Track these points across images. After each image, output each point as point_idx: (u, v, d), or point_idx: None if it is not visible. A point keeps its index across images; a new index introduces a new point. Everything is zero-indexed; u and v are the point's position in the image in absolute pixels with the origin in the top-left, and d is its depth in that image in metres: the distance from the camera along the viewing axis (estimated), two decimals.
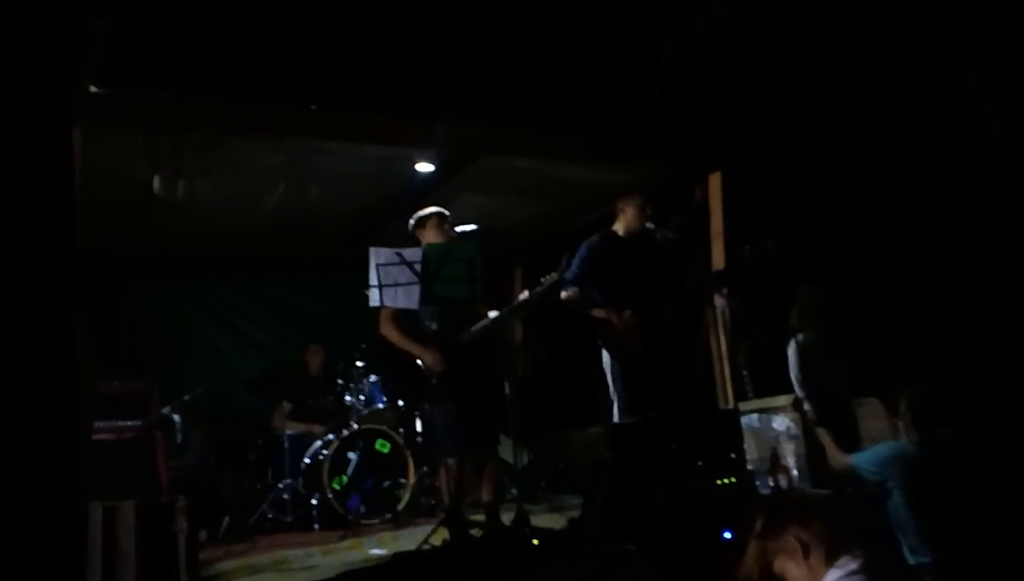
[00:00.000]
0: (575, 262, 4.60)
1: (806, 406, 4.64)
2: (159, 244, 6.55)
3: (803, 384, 4.63)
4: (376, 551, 4.47)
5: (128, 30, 3.48)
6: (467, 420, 4.22)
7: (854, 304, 4.88)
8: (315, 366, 6.50)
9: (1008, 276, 4.32)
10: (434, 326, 4.36)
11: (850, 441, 4.56)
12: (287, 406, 6.16)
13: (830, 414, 4.58)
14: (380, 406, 6.10)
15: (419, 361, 4.38)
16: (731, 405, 5.73)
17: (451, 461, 4.27)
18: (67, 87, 3.02)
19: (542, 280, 4.26)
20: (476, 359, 4.33)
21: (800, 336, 4.66)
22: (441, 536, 4.10)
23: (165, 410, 5.29)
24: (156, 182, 5.15)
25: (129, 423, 4.54)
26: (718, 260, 5.82)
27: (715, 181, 6.03)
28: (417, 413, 6.25)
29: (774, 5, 4.70)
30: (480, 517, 4.29)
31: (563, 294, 4.57)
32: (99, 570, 3.13)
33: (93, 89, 3.65)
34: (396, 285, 4.11)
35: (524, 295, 4.37)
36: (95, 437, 4.23)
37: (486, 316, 4.30)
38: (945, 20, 4.47)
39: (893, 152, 4.85)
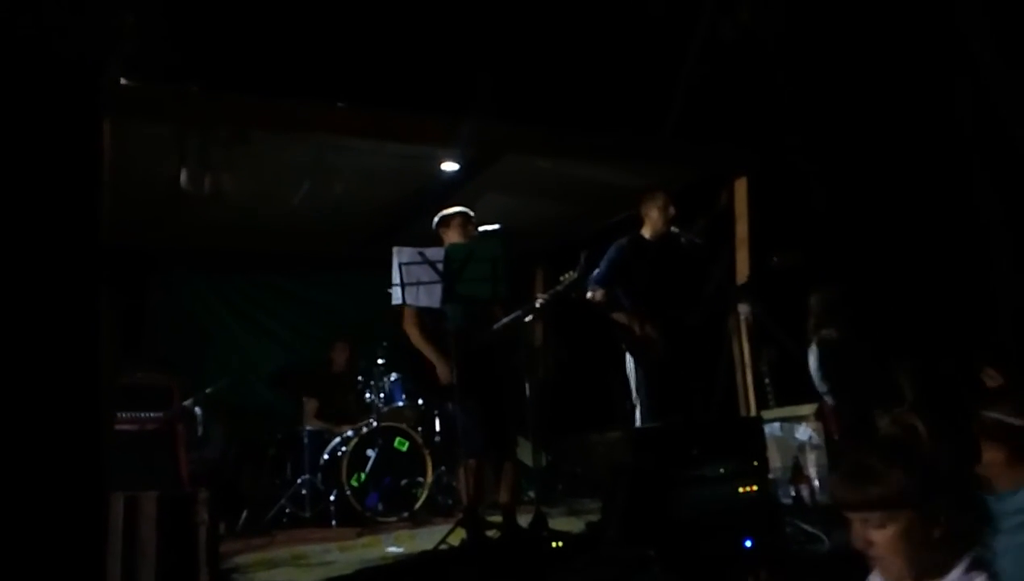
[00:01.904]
0: (603, 263, 4.58)
1: (828, 400, 4.58)
2: (184, 238, 6.58)
3: (826, 390, 4.58)
4: (393, 549, 4.46)
5: (157, 23, 3.51)
6: (487, 421, 4.20)
7: (877, 311, 4.84)
8: (340, 363, 6.52)
9: None
10: (459, 325, 4.34)
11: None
12: (312, 402, 6.18)
13: (850, 422, 4.54)
14: (400, 404, 6.11)
15: (436, 367, 4.37)
16: (753, 413, 5.68)
17: (470, 461, 4.26)
18: (96, 79, 3.03)
19: (561, 278, 4.25)
20: (498, 360, 4.32)
21: (821, 341, 4.61)
22: (459, 536, 4.09)
23: (187, 403, 5.33)
24: (182, 176, 5.18)
25: (151, 415, 4.56)
26: (742, 266, 5.77)
27: (741, 186, 5.97)
28: (436, 412, 6.24)
29: (800, 10, 4.66)
30: (497, 518, 4.27)
31: (589, 294, 4.55)
32: (120, 560, 3.15)
33: (123, 81, 3.68)
34: (418, 283, 4.12)
35: (544, 296, 4.35)
36: (117, 428, 4.25)
37: (503, 317, 4.29)
38: (977, 33, 4.42)
39: (918, 158, 4.80)
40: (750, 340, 5.87)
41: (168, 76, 3.73)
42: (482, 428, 4.22)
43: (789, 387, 5.42)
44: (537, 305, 4.36)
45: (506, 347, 4.37)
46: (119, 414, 4.32)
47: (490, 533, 4.17)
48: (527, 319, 4.41)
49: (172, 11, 3.56)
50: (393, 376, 6.16)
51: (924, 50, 4.58)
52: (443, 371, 4.29)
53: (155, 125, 4.62)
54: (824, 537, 3.77)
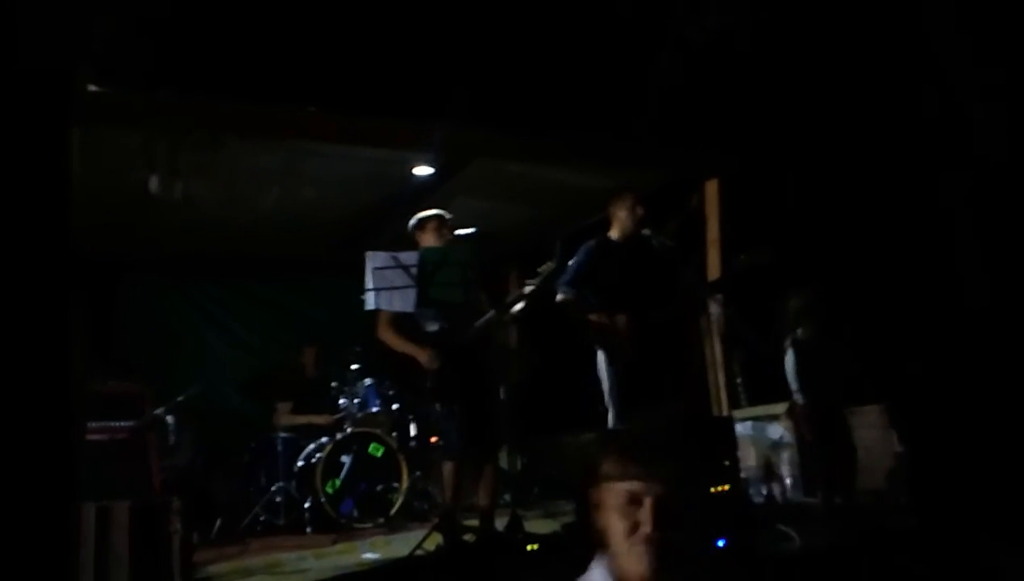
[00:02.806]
0: (571, 266, 4.60)
1: (799, 401, 4.63)
2: (153, 244, 6.53)
3: (798, 390, 4.64)
4: (369, 555, 4.45)
5: (126, 29, 3.47)
6: (468, 422, 4.20)
7: (848, 310, 4.90)
8: (310, 367, 6.50)
9: (1000, 283, 4.34)
10: (435, 328, 4.35)
11: (843, 449, 4.59)
12: (286, 404, 6.15)
13: (822, 422, 4.60)
14: (374, 410, 6.09)
15: (420, 360, 4.36)
16: (725, 412, 5.73)
17: (449, 464, 4.26)
18: (65, 86, 3.01)
19: (539, 270, 4.25)
20: (476, 361, 4.32)
21: (795, 342, 4.66)
22: (434, 541, 4.09)
23: (158, 411, 5.27)
24: (151, 182, 5.13)
25: (121, 424, 4.50)
26: (714, 267, 5.83)
27: (711, 188, 6.04)
28: (411, 417, 6.24)
29: (770, 13, 4.72)
30: (473, 522, 4.27)
31: (559, 297, 4.56)
32: (92, 571, 3.12)
33: (92, 88, 3.64)
34: (392, 288, 4.12)
35: (527, 288, 4.34)
36: (87, 438, 4.19)
37: (488, 312, 4.29)
38: (945, 33, 4.50)
39: (887, 159, 4.87)
40: (722, 340, 5.92)
41: (139, 80, 3.69)
42: (462, 430, 4.22)
43: (761, 386, 5.48)
44: (523, 290, 4.35)
45: (480, 349, 4.38)
46: (89, 423, 4.27)
47: (466, 537, 4.17)
48: (516, 308, 4.40)
49: (142, 17, 3.53)
50: (367, 382, 6.15)
51: (893, 49, 4.65)
52: (427, 359, 4.28)
53: (125, 130, 4.59)
54: (795, 535, 3.82)
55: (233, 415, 6.52)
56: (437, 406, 4.37)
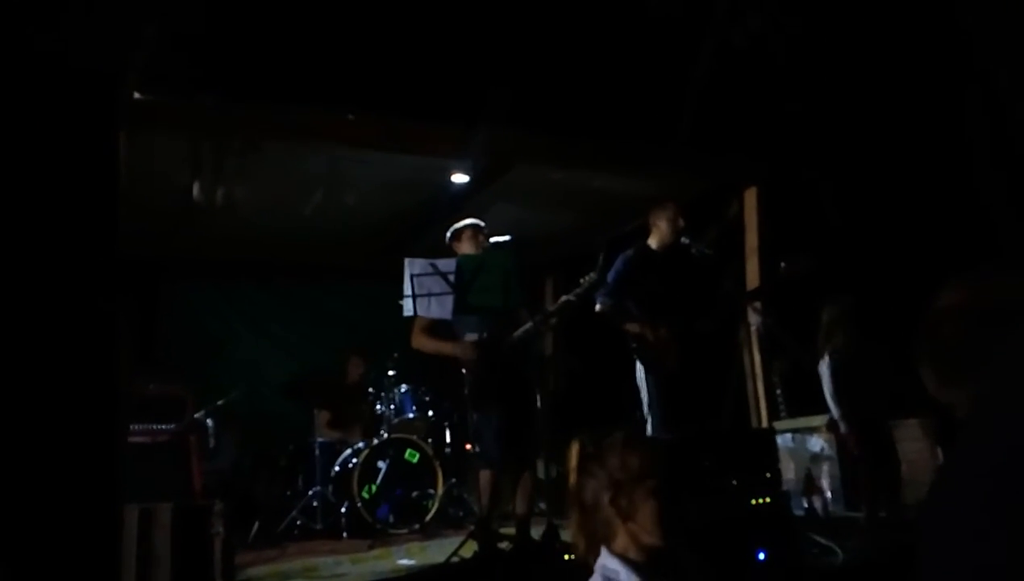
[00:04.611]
0: (611, 275, 4.57)
1: (842, 427, 4.55)
2: (196, 248, 6.61)
3: (838, 403, 4.55)
4: (404, 561, 4.45)
5: (171, 36, 3.53)
6: (507, 430, 4.18)
7: (889, 322, 4.81)
8: (353, 375, 6.53)
9: None
10: (474, 337, 4.33)
11: (887, 463, 4.49)
12: (324, 414, 6.19)
13: (866, 435, 4.51)
14: (410, 416, 6.11)
15: (458, 357, 4.34)
16: (764, 423, 5.65)
17: (486, 472, 4.24)
18: (112, 90, 3.06)
19: (581, 281, 4.22)
20: (516, 369, 4.31)
21: (834, 353, 4.58)
22: (470, 548, 4.08)
23: (199, 414, 5.33)
24: (195, 187, 5.21)
25: (164, 427, 4.57)
26: (753, 276, 5.76)
27: (751, 196, 5.97)
28: (447, 424, 6.24)
29: (812, 18, 4.66)
30: (510, 530, 4.25)
31: (598, 306, 4.54)
32: (134, 572, 3.15)
33: (137, 95, 3.71)
34: (430, 295, 4.12)
35: (565, 297, 4.32)
36: (130, 440, 4.26)
37: (529, 321, 4.28)
38: (985, 36, 4.41)
39: (927, 165, 4.78)
40: (761, 351, 5.85)
41: (184, 86, 3.75)
42: (500, 438, 4.20)
43: (801, 398, 5.39)
44: (563, 301, 4.33)
45: (518, 357, 4.37)
46: (132, 426, 4.33)
47: (502, 545, 4.15)
48: (552, 320, 4.39)
49: (186, 24, 3.58)
50: (403, 387, 6.16)
51: (935, 60, 4.57)
52: (464, 350, 4.27)
53: (168, 136, 4.66)
54: (837, 549, 3.75)
55: (272, 419, 6.57)
56: (474, 415, 4.36)
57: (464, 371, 4.34)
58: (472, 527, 4.36)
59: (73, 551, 2.58)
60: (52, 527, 2.54)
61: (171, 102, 3.95)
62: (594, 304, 4.55)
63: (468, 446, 5.87)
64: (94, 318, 2.66)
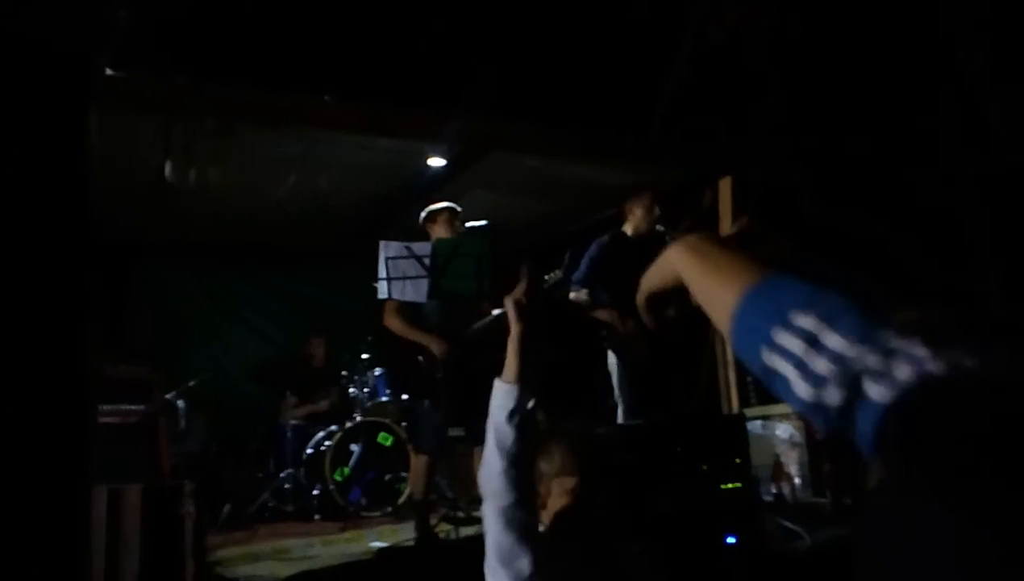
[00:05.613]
0: (584, 262, 4.59)
1: None
2: (168, 230, 6.55)
3: None
4: (376, 544, 4.47)
5: (146, 14, 3.48)
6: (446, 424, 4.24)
7: None
8: (318, 357, 6.52)
9: (1014, 289, 4.31)
10: (436, 321, 4.35)
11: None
12: (292, 399, 6.18)
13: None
14: (384, 399, 6.11)
15: (430, 348, 4.36)
16: (735, 410, 5.71)
17: (423, 458, 4.32)
18: (85, 70, 3.02)
19: (546, 278, 4.25)
20: (478, 357, 4.32)
21: None
22: (443, 530, 4.10)
23: (169, 396, 5.30)
24: (167, 168, 5.15)
25: (132, 407, 4.52)
26: None
27: (725, 186, 6.01)
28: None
29: (789, 10, 4.69)
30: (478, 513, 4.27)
31: (573, 295, 4.56)
32: (103, 553, 3.13)
33: (109, 72, 3.65)
34: (405, 278, 4.12)
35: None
36: (98, 420, 4.21)
37: (490, 314, 4.29)
38: (965, 35, 4.46)
39: (904, 160, 4.84)
40: None
41: (157, 66, 3.70)
42: (438, 425, 4.26)
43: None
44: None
45: (489, 343, 4.37)
46: (101, 406, 4.29)
47: (471, 530, 4.18)
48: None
49: (160, 3, 3.54)
50: (377, 371, 6.16)
51: (911, 50, 4.62)
52: (438, 347, 4.29)
53: (140, 116, 4.60)
54: (805, 534, 3.81)
55: (243, 401, 6.55)
56: (424, 402, 4.40)
57: (421, 358, 4.36)
58: (443, 511, 4.38)
59: (41, 532, 2.56)
60: (19, 508, 2.52)
61: (144, 81, 3.90)
62: (567, 292, 4.57)
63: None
64: (62, 298, 2.63)
